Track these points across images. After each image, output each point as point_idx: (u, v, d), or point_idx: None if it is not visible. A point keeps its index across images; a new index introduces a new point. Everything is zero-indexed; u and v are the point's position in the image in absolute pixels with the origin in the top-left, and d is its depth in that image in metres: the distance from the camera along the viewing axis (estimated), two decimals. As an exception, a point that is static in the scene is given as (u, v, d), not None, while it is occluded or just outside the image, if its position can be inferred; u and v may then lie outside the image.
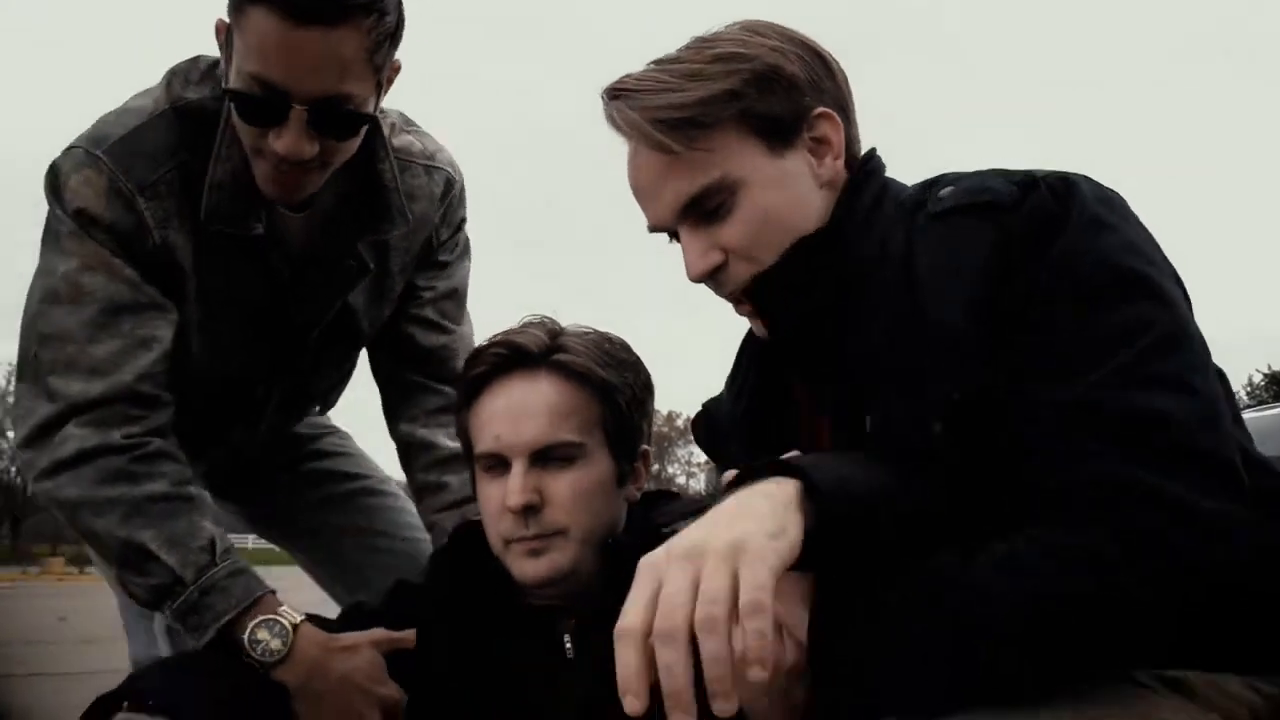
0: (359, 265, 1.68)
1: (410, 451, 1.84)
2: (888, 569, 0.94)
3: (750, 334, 1.32)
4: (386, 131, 1.65)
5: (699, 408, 1.39)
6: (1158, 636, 0.92)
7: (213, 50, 1.54)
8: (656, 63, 1.17)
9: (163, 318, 1.56)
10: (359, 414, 2.22)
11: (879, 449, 1.05)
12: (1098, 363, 0.96)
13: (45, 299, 1.54)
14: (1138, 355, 0.96)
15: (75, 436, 1.49)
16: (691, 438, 1.66)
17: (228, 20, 1.44)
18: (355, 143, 1.52)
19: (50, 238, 1.56)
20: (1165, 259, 1.06)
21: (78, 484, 1.49)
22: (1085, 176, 1.08)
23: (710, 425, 1.37)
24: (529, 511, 1.29)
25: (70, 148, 1.54)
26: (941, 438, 1.01)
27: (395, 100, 1.64)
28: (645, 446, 1.42)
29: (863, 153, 1.22)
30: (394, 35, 1.45)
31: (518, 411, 1.32)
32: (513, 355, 1.35)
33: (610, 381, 1.34)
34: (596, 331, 1.41)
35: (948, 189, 1.11)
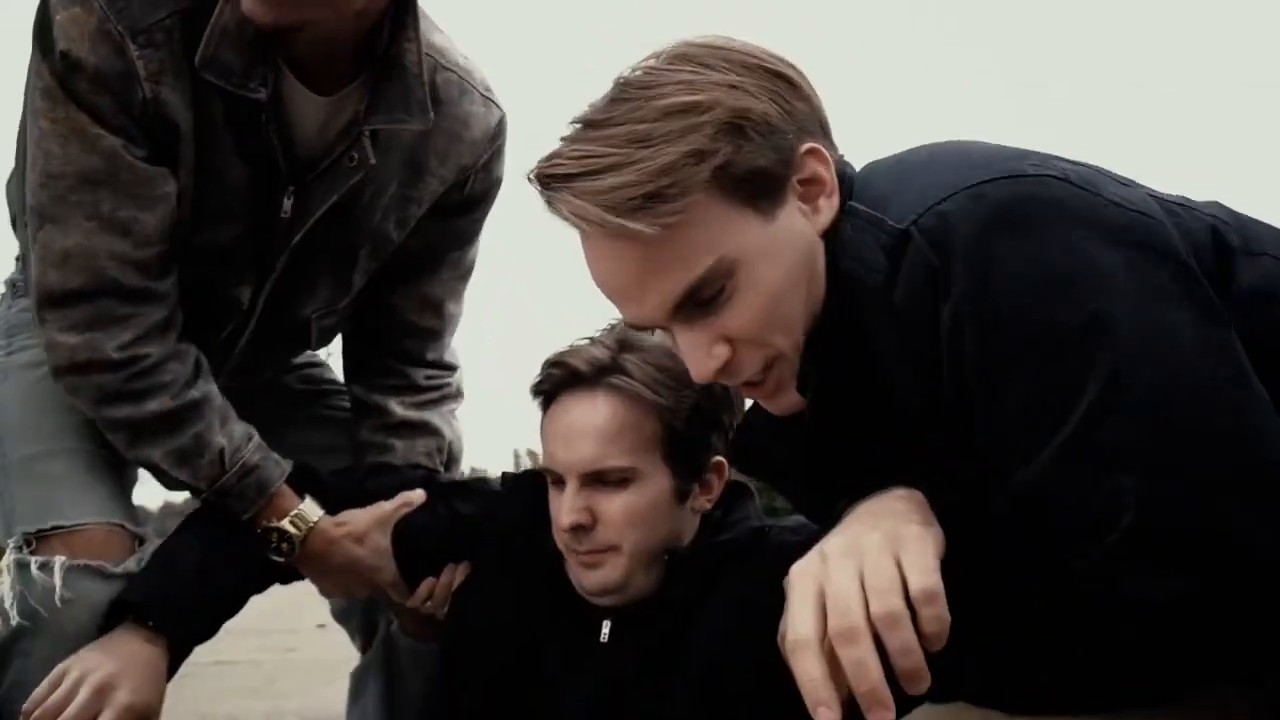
0: (359, 159, 1.48)
1: (362, 410, 1.76)
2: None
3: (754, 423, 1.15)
4: (422, 24, 1.47)
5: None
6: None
7: None
8: (587, 125, 0.95)
9: (149, 194, 1.39)
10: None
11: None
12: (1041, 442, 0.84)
13: (30, 165, 1.39)
14: (1075, 429, 0.83)
15: (62, 345, 1.39)
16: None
17: None
18: None
19: (28, 93, 1.40)
20: (1114, 221, 0.87)
21: (79, 398, 1.44)
22: (1006, 178, 0.88)
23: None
24: (580, 530, 1.32)
25: None
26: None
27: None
28: (718, 459, 1.39)
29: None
30: None
31: (571, 433, 1.33)
32: (566, 377, 1.36)
33: (664, 404, 1.32)
34: (664, 345, 1.34)
35: (852, 261, 0.95)
